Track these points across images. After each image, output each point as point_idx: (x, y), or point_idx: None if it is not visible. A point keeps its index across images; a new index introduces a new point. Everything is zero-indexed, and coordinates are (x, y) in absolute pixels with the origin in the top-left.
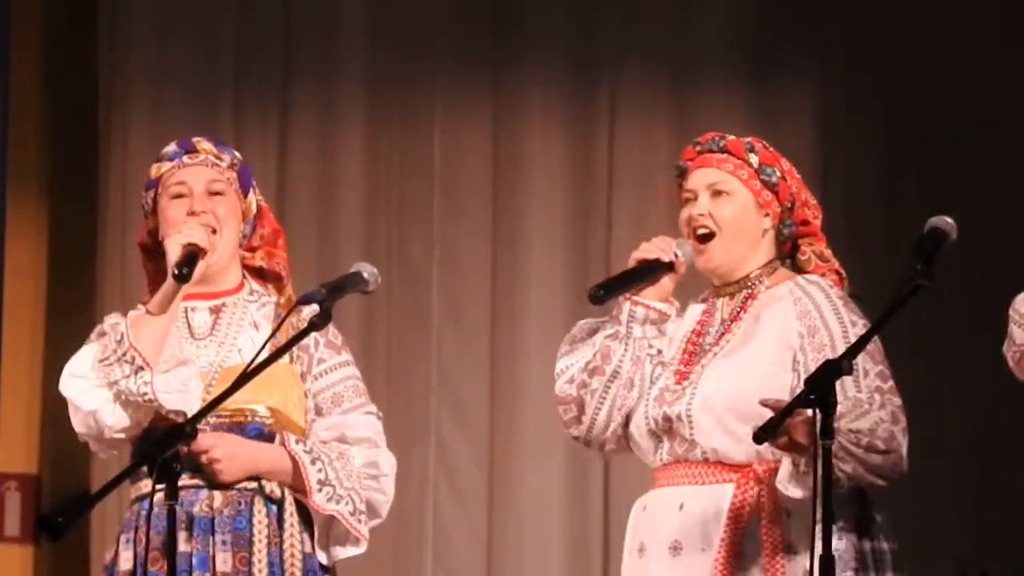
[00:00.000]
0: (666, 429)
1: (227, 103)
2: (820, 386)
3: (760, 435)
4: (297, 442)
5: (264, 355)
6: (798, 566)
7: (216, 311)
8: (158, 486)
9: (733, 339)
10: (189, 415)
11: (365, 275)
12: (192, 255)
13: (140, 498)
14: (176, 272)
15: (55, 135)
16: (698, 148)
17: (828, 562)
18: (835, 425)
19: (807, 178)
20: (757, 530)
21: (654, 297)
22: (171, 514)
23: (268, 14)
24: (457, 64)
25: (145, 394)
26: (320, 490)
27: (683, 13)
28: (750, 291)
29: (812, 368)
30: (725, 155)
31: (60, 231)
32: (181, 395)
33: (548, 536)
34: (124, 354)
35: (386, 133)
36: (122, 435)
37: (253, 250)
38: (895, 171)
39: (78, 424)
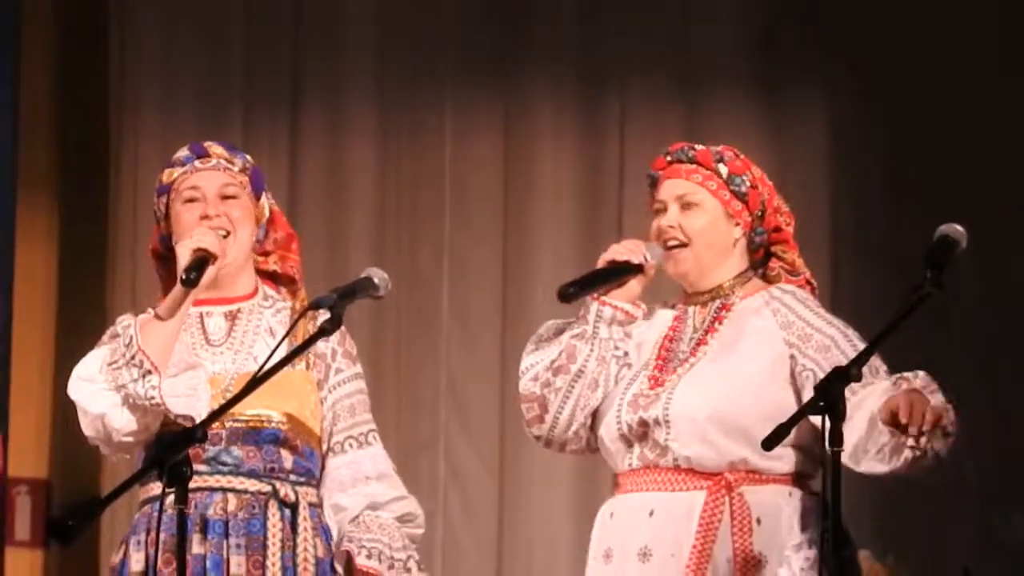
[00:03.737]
0: (640, 434)
1: (237, 113)
2: (830, 394)
3: (768, 443)
4: (359, 551)
5: (276, 359)
6: (768, 573)
7: (232, 317)
8: (168, 490)
9: (710, 349)
10: (197, 420)
11: (376, 280)
12: (202, 260)
13: (149, 500)
14: (184, 277)
15: (66, 140)
16: (668, 158)
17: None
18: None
19: (817, 188)
20: (727, 538)
21: (622, 298)
22: (180, 518)
23: (277, 21)
24: (467, 72)
25: (152, 398)
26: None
27: (692, 24)
28: (723, 301)
29: (827, 369)
30: (694, 166)
31: (71, 236)
32: (188, 399)
33: (557, 544)
34: (132, 358)
35: (396, 141)
36: (131, 439)
37: (267, 254)
38: (904, 181)
39: (87, 428)
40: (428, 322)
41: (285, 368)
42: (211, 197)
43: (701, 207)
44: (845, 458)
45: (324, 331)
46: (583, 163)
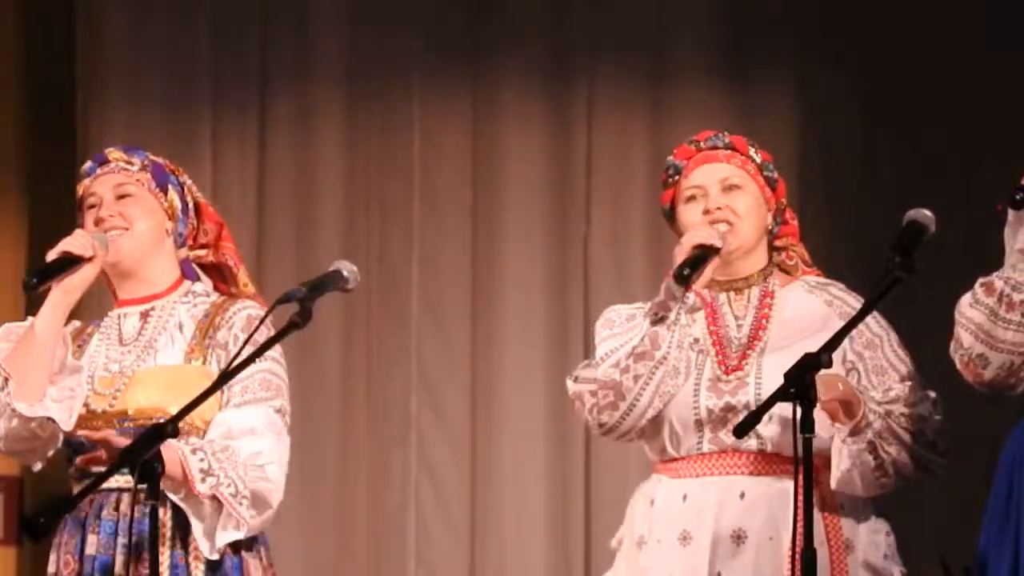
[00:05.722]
0: (719, 419)
1: (205, 109)
2: (799, 381)
3: (739, 431)
4: (179, 438)
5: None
6: (856, 560)
7: (145, 315)
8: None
9: (773, 335)
10: (63, 425)
11: (345, 273)
12: (57, 263)
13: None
14: (25, 279)
15: (33, 131)
16: (700, 146)
17: (809, 556)
18: (888, 408)
19: (786, 175)
20: (820, 523)
21: (700, 285)
22: (153, 514)
23: (244, 11)
24: (434, 62)
25: (9, 404)
26: (204, 480)
27: (660, 7)
28: (763, 288)
29: (869, 367)
30: (731, 151)
31: (39, 228)
32: (69, 402)
33: (530, 533)
34: None
35: (364, 134)
36: (20, 446)
37: (205, 247)
38: (873, 167)
39: None
40: (398, 315)
41: (180, 363)
42: (107, 200)
43: (744, 190)
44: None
45: (295, 324)
46: (551, 153)
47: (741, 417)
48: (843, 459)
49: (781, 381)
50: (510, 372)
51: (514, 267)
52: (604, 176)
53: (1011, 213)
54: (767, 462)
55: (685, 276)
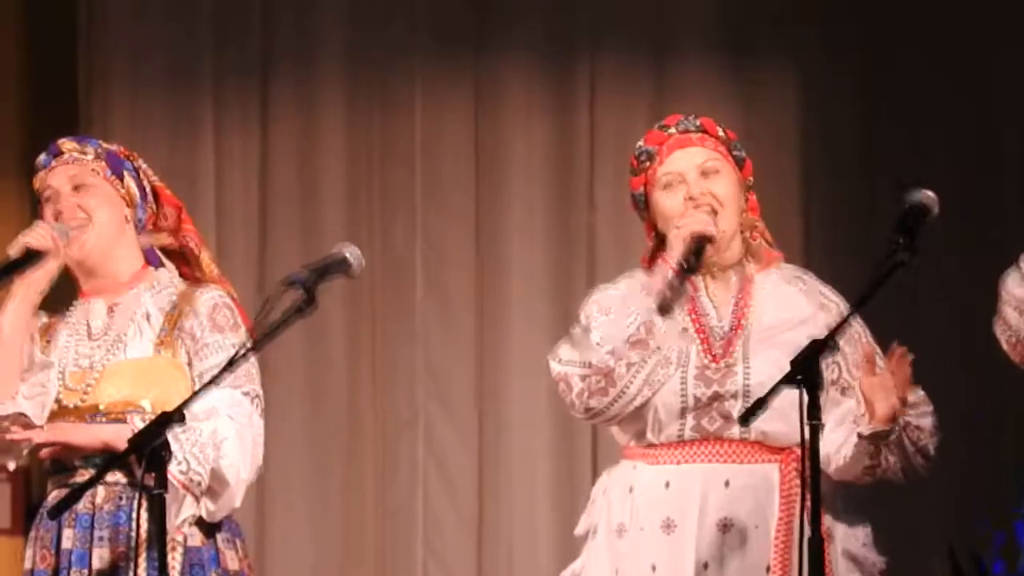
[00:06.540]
0: (705, 406)
1: (207, 94)
2: (806, 367)
3: (744, 419)
4: (141, 420)
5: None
6: (836, 550)
7: (112, 308)
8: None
9: (756, 322)
10: (35, 419)
11: (348, 257)
12: (19, 259)
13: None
14: None
15: (36, 117)
16: (672, 130)
17: (817, 543)
18: (905, 420)
19: (787, 150)
20: (801, 511)
21: (694, 275)
22: (160, 502)
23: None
24: (435, 46)
25: None
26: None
27: None
28: (742, 273)
29: (848, 351)
30: (703, 134)
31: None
32: (40, 398)
33: (536, 517)
34: None
35: (366, 118)
36: None
37: (167, 232)
38: (875, 143)
39: None
40: (403, 301)
41: (150, 355)
42: (64, 192)
43: (721, 173)
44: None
45: (299, 310)
46: (553, 139)
47: (727, 405)
48: (847, 447)
49: (772, 370)
50: (516, 356)
51: (518, 251)
52: (607, 158)
53: None
54: (749, 450)
55: (691, 267)
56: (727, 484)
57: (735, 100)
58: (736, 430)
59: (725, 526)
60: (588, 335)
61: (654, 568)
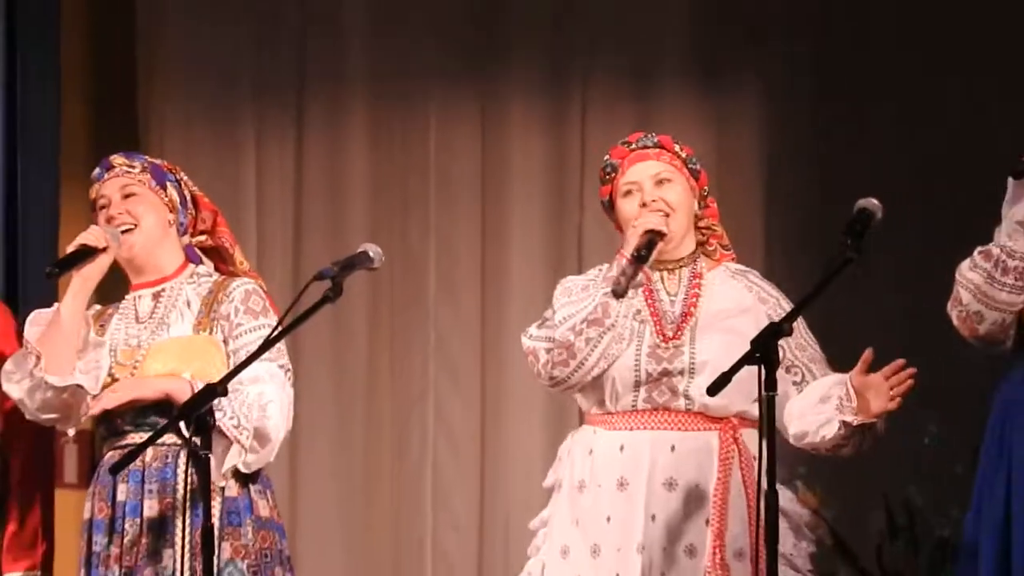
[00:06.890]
0: (655, 381)
1: (249, 110)
2: (764, 346)
3: (712, 390)
4: (193, 376)
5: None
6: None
7: (157, 296)
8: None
9: (703, 311)
10: (90, 390)
11: (371, 253)
12: (76, 254)
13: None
14: (47, 269)
15: (100, 127)
16: (632, 146)
17: (773, 497)
18: None
19: (755, 167)
20: (737, 472)
21: (647, 266)
22: (205, 463)
23: (283, 23)
24: (448, 70)
25: (42, 378)
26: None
27: (645, 24)
28: (693, 269)
29: (791, 343)
30: (659, 149)
31: None
32: (95, 373)
33: (533, 479)
34: (27, 347)
35: (388, 132)
36: (53, 415)
37: (205, 234)
38: (831, 162)
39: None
40: (417, 292)
41: (190, 334)
42: (115, 200)
43: (674, 182)
44: (783, 425)
45: (328, 299)
46: (550, 152)
47: (675, 380)
48: (828, 429)
49: (715, 351)
50: (515, 337)
51: (518, 247)
52: (596, 169)
53: (1011, 184)
54: (693, 420)
55: (643, 257)
56: (673, 449)
57: (705, 116)
58: (682, 402)
59: (671, 485)
60: (553, 316)
61: (609, 520)
